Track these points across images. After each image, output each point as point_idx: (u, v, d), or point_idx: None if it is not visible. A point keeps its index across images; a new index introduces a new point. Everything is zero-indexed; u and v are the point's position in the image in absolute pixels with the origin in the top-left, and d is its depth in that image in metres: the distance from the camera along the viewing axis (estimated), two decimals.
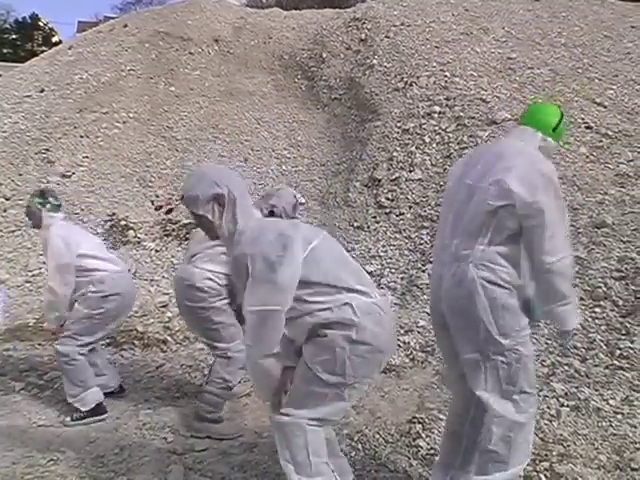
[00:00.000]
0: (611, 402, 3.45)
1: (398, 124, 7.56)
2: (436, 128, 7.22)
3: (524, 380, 2.38)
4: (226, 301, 3.47)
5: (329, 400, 2.25)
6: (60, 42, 26.10)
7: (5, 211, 7.36)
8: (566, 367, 3.89)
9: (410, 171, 6.85)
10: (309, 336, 2.27)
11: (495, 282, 2.36)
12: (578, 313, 2.38)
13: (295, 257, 2.16)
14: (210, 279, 3.43)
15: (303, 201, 3.74)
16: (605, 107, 7.27)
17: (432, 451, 3.08)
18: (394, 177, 6.87)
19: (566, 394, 3.56)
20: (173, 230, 7.34)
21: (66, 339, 3.70)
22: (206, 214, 2.29)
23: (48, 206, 3.83)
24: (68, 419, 3.65)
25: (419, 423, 3.37)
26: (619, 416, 3.31)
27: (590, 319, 4.33)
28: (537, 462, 2.90)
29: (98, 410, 3.68)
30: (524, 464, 2.48)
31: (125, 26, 11.04)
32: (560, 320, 2.43)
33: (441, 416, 3.43)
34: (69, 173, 7.95)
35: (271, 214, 3.44)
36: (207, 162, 8.28)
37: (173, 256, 6.89)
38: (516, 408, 2.37)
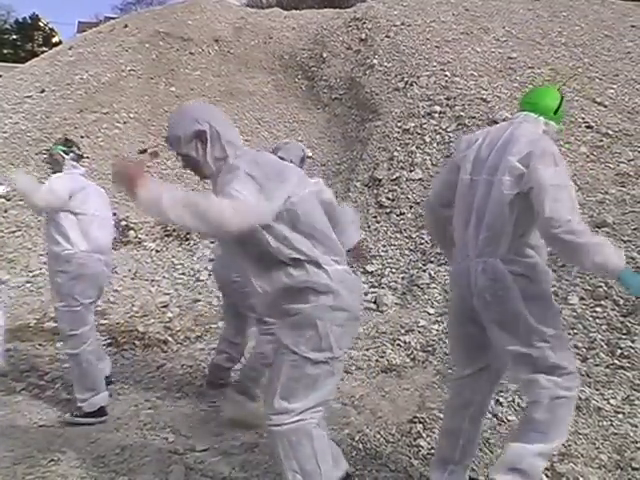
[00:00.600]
0: (612, 401, 3.45)
1: (398, 124, 7.56)
2: (437, 128, 7.23)
3: (569, 362, 2.44)
4: None
5: (322, 380, 2.20)
6: (60, 42, 26.13)
7: (6, 211, 7.37)
8: None
9: (411, 171, 6.85)
10: (282, 315, 2.22)
11: (524, 274, 2.39)
12: (617, 252, 2.29)
13: (280, 196, 2.10)
14: None
15: (310, 154, 3.77)
16: (605, 106, 7.27)
17: (433, 451, 3.08)
18: (395, 177, 6.87)
19: None
20: (174, 230, 7.34)
21: (69, 338, 3.67)
22: (190, 152, 2.24)
23: (71, 155, 3.80)
24: (67, 415, 3.65)
25: (420, 423, 3.37)
26: (620, 415, 3.31)
27: (591, 318, 4.33)
28: None
29: (99, 412, 3.67)
30: (562, 440, 2.52)
31: (125, 26, 11.05)
32: (601, 269, 2.38)
33: (442, 416, 3.42)
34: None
35: None
36: None
37: (174, 256, 6.89)
38: (562, 384, 2.41)
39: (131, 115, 9.04)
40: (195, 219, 1.94)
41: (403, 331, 4.81)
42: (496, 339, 2.46)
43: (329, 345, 2.17)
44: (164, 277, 6.53)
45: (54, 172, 3.82)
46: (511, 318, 2.39)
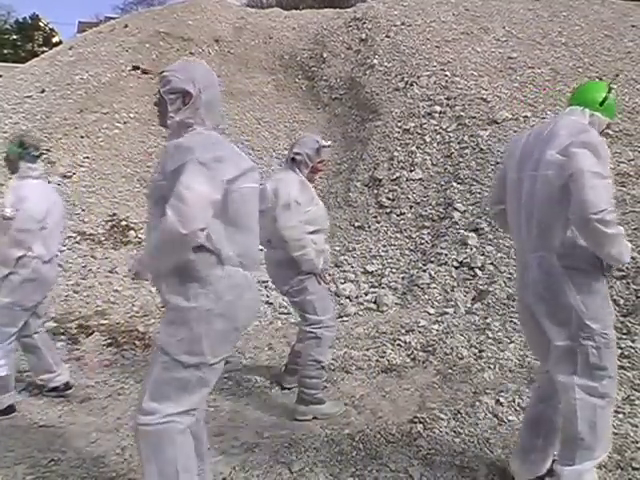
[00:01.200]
0: None
1: (399, 124, 7.56)
2: (437, 128, 7.23)
3: (611, 364, 2.42)
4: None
5: (192, 386, 2.14)
6: (60, 42, 26.13)
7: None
8: None
9: (411, 171, 6.86)
10: (165, 305, 2.21)
11: (578, 268, 2.39)
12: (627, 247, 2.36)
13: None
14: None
15: (327, 143, 3.83)
16: None
17: (433, 451, 3.08)
18: (395, 177, 6.87)
19: None
20: None
21: None
22: (168, 99, 2.24)
23: (27, 157, 3.70)
24: None
25: (420, 423, 3.37)
26: (620, 415, 3.30)
27: None
28: None
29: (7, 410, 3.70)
30: (608, 451, 2.50)
31: (125, 26, 11.05)
32: (612, 260, 2.40)
33: (442, 416, 3.43)
34: (70, 173, 7.95)
35: (293, 161, 3.68)
36: None
37: None
38: (600, 392, 2.40)
39: (131, 115, 9.04)
40: (165, 253, 2.07)
41: (403, 331, 4.81)
42: (548, 334, 2.48)
43: (201, 350, 2.11)
44: None
45: (11, 173, 3.78)
46: (563, 312, 2.41)
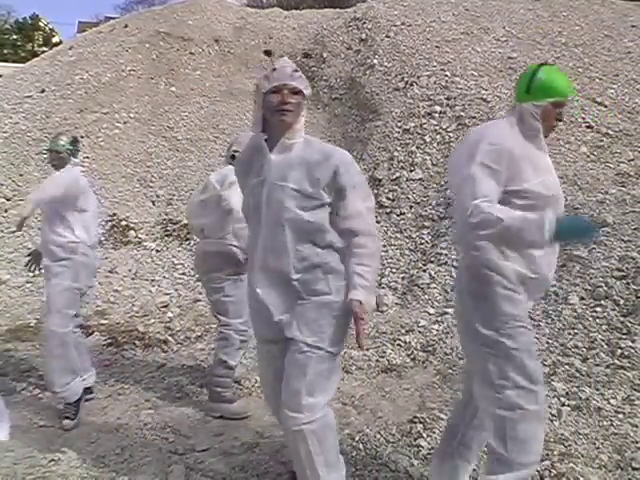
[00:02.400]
0: (612, 401, 3.45)
1: (399, 124, 7.56)
2: (437, 128, 7.23)
3: (517, 374, 2.22)
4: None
5: (336, 373, 2.34)
6: (60, 42, 26.13)
7: (6, 211, 7.36)
8: (567, 366, 3.89)
9: (411, 171, 6.86)
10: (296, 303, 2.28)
11: (475, 268, 2.27)
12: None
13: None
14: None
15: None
16: (606, 106, 7.27)
17: (433, 451, 3.08)
18: (395, 177, 6.87)
19: (567, 393, 3.56)
20: (174, 230, 7.34)
21: (58, 315, 3.69)
22: (303, 103, 2.31)
23: (76, 153, 3.96)
24: (67, 422, 3.57)
25: (420, 423, 3.37)
26: (620, 415, 3.31)
27: (591, 318, 4.33)
28: (538, 461, 2.89)
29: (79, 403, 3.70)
30: (530, 467, 2.31)
31: (125, 26, 11.05)
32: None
33: (442, 416, 3.43)
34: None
35: (232, 158, 3.69)
36: (208, 162, 8.29)
37: (174, 256, 6.89)
38: (508, 403, 2.22)
39: (131, 115, 9.04)
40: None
41: (403, 331, 4.81)
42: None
43: (343, 338, 2.32)
44: (164, 277, 6.53)
45: (57, 168, 3.90)
46: (463, 315, 2.35)
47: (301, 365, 2.24)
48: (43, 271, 3.89)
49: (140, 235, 7.27)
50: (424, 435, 3.24)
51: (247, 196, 2.41)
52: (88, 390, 3.88)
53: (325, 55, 9.54)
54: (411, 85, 8.05)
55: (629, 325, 4.16)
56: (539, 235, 2.08)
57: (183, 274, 6.58)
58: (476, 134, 2.41)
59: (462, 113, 7.16)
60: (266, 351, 2.46)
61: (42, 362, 4.52)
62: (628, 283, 4.52)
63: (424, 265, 5.69)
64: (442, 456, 2.60)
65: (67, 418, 3.58)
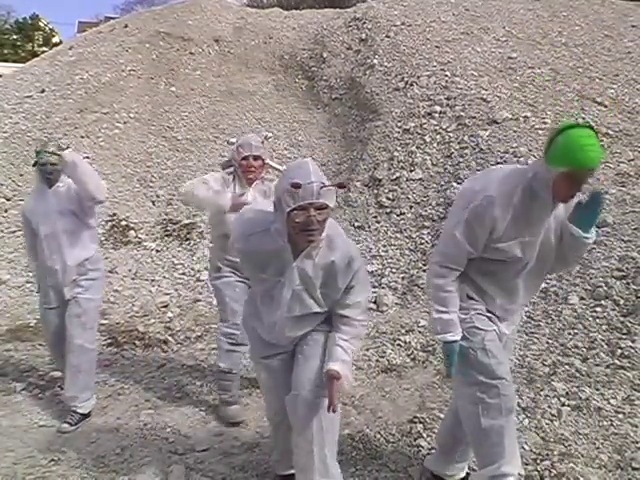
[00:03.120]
0: (612, 401, 3.45)
1: (399, 124, 7.55)
2: (437, 128, 7.22)
3: (475, 371, 2.43)
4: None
5: None
6: (60, 42, 26.11)
7: (6, 211, 7.36)
8: (567, 366, 3.89)
9: (411, 171, 6.85)
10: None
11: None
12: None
13: None
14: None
15: (233, 140, 3.91)
16: (606, 106, 7.27)
17: (433, 451, 3.08)
18: (395, 177, 6.87)
19: (567, 393, 3.56)
20: (174, 230, 7.34)
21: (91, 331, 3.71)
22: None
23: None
24: (66, 425, 3.56)
25: (420, 423, 3.37)
26: (620, 415, 3.30)
27: (591, 318, 4.33)
28: (538, 461, 2.90)
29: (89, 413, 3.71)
30: (496, 464, 2.40)
31: (125, 26, 11.04)
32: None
33: (442, 416, 3.42)
34: None
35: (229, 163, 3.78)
36: (208, 162, 8.29)
37: (174, 256, 6.89)
38: (471, 398, 2.43)
39: (131, 115, 9.04)
40: None
41: (403, 331, 4.81)
42: None
43: None
44: (164, 277, 6.53)
45: (55, 180, 3.65)
46: None
47: (322, 343, 2.39)
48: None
49: (140, 235, 7.27)
50: (424, 435, 3.24)
51: (260, 282, 2.45)
52: None
53: (325, 55, 9.53)
54: (411, 85, 8.04)
55: (629, 325, 4.16)
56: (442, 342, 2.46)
57: (183, 274, 6.58)
58: (484, 179, 2.47)
59: (462, 113, 7.16)
60: (265, 365, 2.57)
61: (43, 362, 4.55)
62: (628, 283, 4.52)
63: (424, 265, 5.69)
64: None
65: (68, 423, 3.57)
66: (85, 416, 3.63)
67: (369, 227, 6.49)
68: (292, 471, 2.63)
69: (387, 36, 9.23)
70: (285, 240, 2.24)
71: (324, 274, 2.29)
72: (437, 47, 8.67)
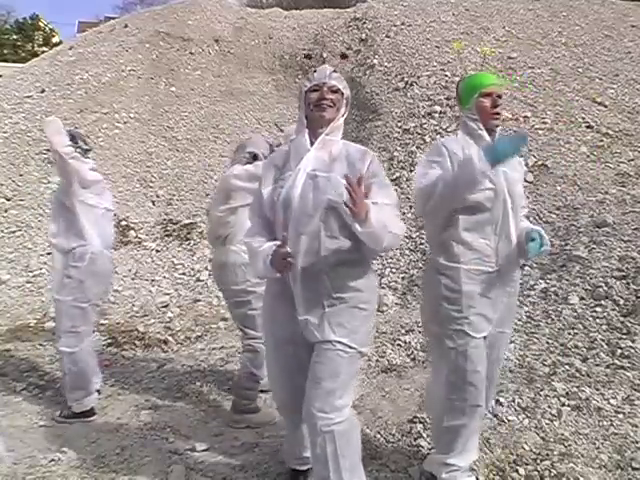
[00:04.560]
0: (612, 401, 3.45)
1: (399, 124, 7.56)
2: (437, 128, 7.23)
3: (449, 370, 2.55)
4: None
5: (356, 372, 2.41)
6: (60, 42, 26.10)
7: (6, 211, 7.36)
8: (567, 366, 3.89)
9: (411, 171, 6.85)
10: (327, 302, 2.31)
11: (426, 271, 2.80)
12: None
13: None
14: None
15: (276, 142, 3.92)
16: (606, 106, 7.27)
17: (433, 451, 3.08)
18: (395, 177, 6.87)
19: (567, 393, 3.55)
20: (174, 230, 7.34)
21: (68, 335, 3.61)
22: (345, 103, 2.41)
23: (78, 150, 3.72)
24: (57, 413, 3.63)
25: (420, 423, 3.37)
26: (620, 415, 3.30)
27: (591, 318, 4.33)
28: (538, 461, 2.90)
29: (89, 412, 3.67)
30: (446, 455, 2.64)
31: (125, 26, 11.05)
32: None
33: None
34: None
35: (255, 159, 3.58)
36: (208, 162, 8.30)
37: (174, 256, 6.89)
38: (442, 392, 2.59)
39: (131, 115, 9.04)
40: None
41: (403, 331, 4.81)
42: None
43: (370, 339, 2.45)
44: (164, 277, 6.53)
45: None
46: None
47: (335, 365, 2.25)
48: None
49: (140, 235, 7.27)
50: (424, 435, 3.24)
51: (274, 190, 2.36)
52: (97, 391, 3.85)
53: (325, 55, 9.54)
54: (411, 85, 8.05)
55: (629, 325, 4.16)
56: (473, 169, 2.25)
57: (183, 274, 6.58)
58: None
59: (462, 113, 7.16)
60: (283, 353, 2.42)
61: (43, 362, 4.55)
62: (628, 283, 4.52)
63: (424, 265, 5.69)
64: None
65: (61, 414, 3.61)
66: (78, 415, 3.64)
67: None
68: (299, 467, 2.68)
69: (387, 36, 9.23)
70: (304, 127, 2.38)
71: (342, 160, 2.33)
72: (437, 47, 8.68)
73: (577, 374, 3.79)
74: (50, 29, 42.01)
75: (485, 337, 2.55)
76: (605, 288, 4.52)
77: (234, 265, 3.53)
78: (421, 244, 5.99)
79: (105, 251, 3.70)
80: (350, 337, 2.29)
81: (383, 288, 5.65)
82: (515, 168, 2.59)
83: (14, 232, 7.01)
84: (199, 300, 5.95)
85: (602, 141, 6.68)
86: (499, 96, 2.56)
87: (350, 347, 2.28)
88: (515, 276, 2.66)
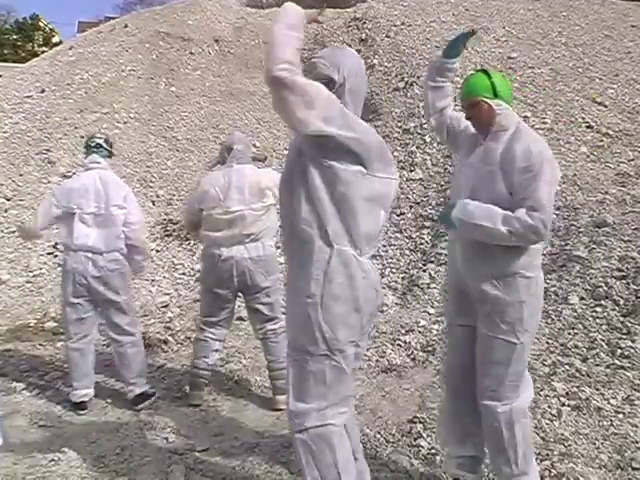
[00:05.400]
0: (612, 401, 3.45)
1: (399, 124, 7.56)
2: None
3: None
4: None
5: (330, 376, 2.06)
6: (60, 42, 26.10)
7: (6, 211, 7.36)
8: (567, 366, 3.89)
9: (411, 171, 6.85)
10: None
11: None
12: None
13: None
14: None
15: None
16: (606, 106, 7.27)
17: (433, 451, 3.08)
18: None
19: (567, 393, 3.56)
20: (174, 230, 7.34)
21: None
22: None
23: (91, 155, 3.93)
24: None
25: (420, 423, 3.37)
26: (620, 415, 3.30)
27: (591, 318, 4.33)
28: (538, 461, 2.89)
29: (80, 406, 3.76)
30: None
31: (125, 26, 11.05)
32: None
33: None
34: (70, 173, 7.94)
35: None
36: (208, 162, 8.29)
37: (174, 256, 6.89)
38: None
39: (131, 115, 9.04)
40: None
41: (403, 331, 4.81)
42: None
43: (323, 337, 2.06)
44: (164, 277, 6.53)
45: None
46: None
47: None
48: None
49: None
50: (424, 435, 3.24)
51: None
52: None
53: None
54: (411, 85, 8.05)
55: (629, 325, 4.16)
56: None
57: (183, 274, 6.57)
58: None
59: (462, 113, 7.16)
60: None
61: (43, 362, 4.55)
62: (628, 283, 4.52)
63: (424, 265, 5.69)
64: None
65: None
66: (74, 405, 3.77)
67: None
68: None
69: (387, 36, 9.24)
70: None
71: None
72: (437, 47, 8.67)
73: (577, 374, 3.79)
74: (50, 29, 42.00)
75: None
76: (605, 288, 4.52)
77: (274, 255, 3.78)
78: (421, 244, 5.99)
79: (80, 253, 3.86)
80: (293, 335, 2.26)
81: (383, 288, 5.64)
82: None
83: (14, 232, 7.01)
84: (199, 300, 5.94)
85: (602, 141, 6.68)
86: (470, 105, 2.51)
87: (293, 348, 2.21)
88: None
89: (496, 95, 2.47)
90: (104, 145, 3.99)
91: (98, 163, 3.91)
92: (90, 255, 3.75)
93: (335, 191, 2.07)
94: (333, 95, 2.12)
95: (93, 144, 3.96)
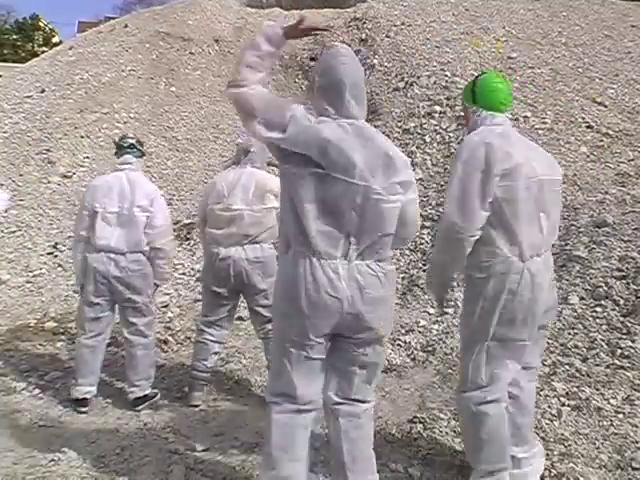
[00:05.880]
0: (612, 401, 3.45)
1: (399, 124, 7.56)
2: (437, 128, 7.23)
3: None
4: None
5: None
6: (60, 42, 26.10)
7: (6, 211, 7.36)
8: (567, 366, 3.89)
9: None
10: None
11: None
12: None
13: None
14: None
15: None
16: (606, 106, 7.27)
17: (433, 451, 3.08)
18: None
19: (567, 393, 3.56)
20: (174, 230, 7.32)
21: None
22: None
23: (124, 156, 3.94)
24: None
25: (420, 423, 3.37)
26: (620, 415, 3.30)
27: (591, 318, 4.33)
28: None
29: (81, 403, 3.75)
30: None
31: (125, 26, 11.06)
32: None
33: (442, 415, 3.43)
34: (70, 173, 7.95)
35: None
36: (208, 162, 8.29)
37: (174, 256, 6.88)
38: None
39: (131, 115, 9.04)
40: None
41: (403, 331, 4.80)
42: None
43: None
44: None
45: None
46: None
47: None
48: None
49: None
50: (424, 435, 3.24)
51: None
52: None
53: None
54: (411, 85, 8.05)
55: (629, 325, 4.16)
56: None
57: (183, 274, 6.57)
58: None
59: (462, 113, 7.16)
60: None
61: (43, 362, 4.55)
62: (628, 283, 4.52)
63: (424, 265, 5.69)
64: None
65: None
66: (75, 401, 3.77)
67: None
68: None
69: (387, 36, 9.24)
70: None
71: None
72: (437, 47, 8.68)
73: (577, 374, 3.79)
74: (50, 29, 42.00)
75: None
76: (605, 288, 4.52)
77: (273, 258, 3.73)
78: (421, 244, 5.99)
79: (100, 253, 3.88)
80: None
81: None
82: None
83: (14, 232, 7.01)
84: (199, 300, 5.93)
85: (602, 141, 6.68)
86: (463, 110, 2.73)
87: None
88: None
89: (474, 101, 2.59)
90: (137, 145, 3.99)
91: (130, 164, 3.91)
92: (112, 256, 3.73)
93: (290, 193, 2.21)
94: (282, 100, 2.41)
95: (126, 144, 3.95)
